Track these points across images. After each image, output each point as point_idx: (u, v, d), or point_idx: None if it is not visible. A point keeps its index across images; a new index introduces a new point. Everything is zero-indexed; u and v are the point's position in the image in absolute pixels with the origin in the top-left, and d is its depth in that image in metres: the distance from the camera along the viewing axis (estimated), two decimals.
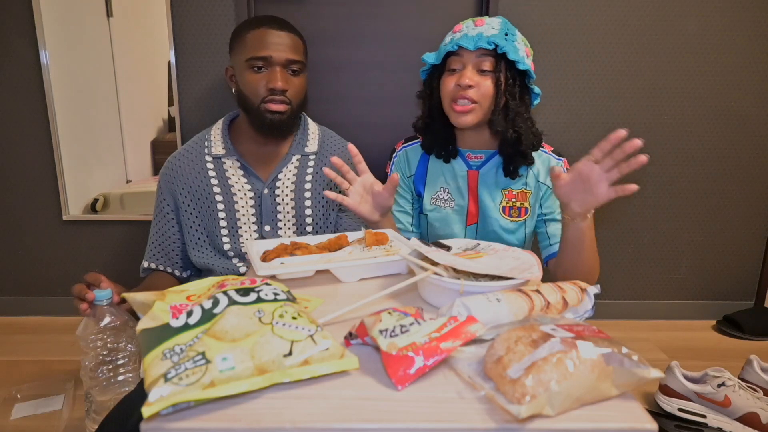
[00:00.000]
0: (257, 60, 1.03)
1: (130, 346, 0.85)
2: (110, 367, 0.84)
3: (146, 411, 0.41)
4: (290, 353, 0.48)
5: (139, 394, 0.75)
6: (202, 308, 0.53)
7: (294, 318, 0.52)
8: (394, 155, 1.17)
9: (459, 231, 1.11)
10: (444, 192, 1.11)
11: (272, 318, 0.51)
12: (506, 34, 0.97)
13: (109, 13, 1.62)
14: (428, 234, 1.15)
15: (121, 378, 0.85)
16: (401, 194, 1.16)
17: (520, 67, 0.97)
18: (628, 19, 1.69)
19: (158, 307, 0.54)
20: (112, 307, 0.83)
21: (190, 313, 0.52)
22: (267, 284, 0.58)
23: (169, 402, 0.42)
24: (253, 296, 0.54)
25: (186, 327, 0.51)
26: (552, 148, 1.12)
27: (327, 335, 0.52)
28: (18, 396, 1.32)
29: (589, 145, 1.87)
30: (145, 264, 1.14)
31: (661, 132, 1.79)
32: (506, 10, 1.64)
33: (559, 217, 1.09)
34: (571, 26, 1.68)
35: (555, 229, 1.10)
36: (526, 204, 1.08)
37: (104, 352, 0.83)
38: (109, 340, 0.83)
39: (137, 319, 0.87)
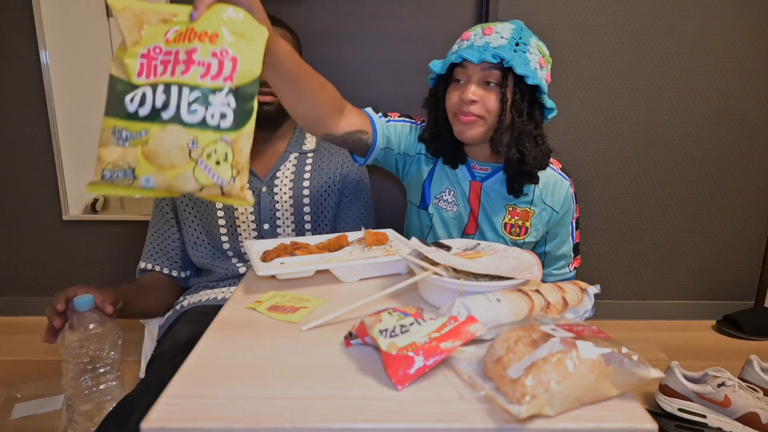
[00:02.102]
0: None
1: (112, 353, 0.83)
2: (92, 375, 0.82)
3: (89, 188, 0.55)
4: (201, 190, 0.55)
5: (139, 395, 0.75)
6: (154, 100, 0.54)
7: (218, 163, 0.55)
8: (421, 121, 1.08)
9: (456, 237, 1.08)
10: (449, 194, 1.06)
11: (200, 154, 0.54)
12: (517, 44, 0.89)
13: (109, 13, 1.62)
14: (430, 233, 1.13)
15: (103, 387, 0.83)
16: (399, 131, 1.04)
17: (530, 82, 0.89)
18: (628, 19, 1.69)
19: (131, 52, 0.55)
20: (94, 313, 0.82)
21: (143, 100, 0.54)
22: (229, 93, 0.56)
23: (102, 192, 0.55)
24: (200, 115, 0.55)
25: (135, 116, 0.54)
26: (560, 165, 1.06)
27: (236, 189, 0.57)
28: (18, 396, 1.32)
29: (588, 145, 1.88)
30: (142, 265, 1.14)
31: (662, 132, 1.79)
32: (506, 10, 1.64)
33: (558, 251, 1.10)
34: (571, 26, 1.68)
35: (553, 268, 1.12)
36: (528, 224, 1.04)
37: (86, 360, 0.81)
38: (91, 347, 0.81)
39: (119, 326, 0.87)
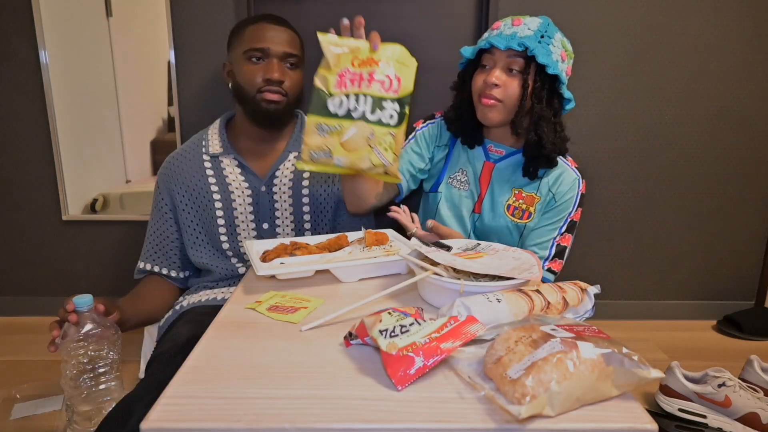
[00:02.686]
0: (255, 51, 1.04)
1: (111, 353, 0.82)
2: (91, 375, 0.82)
3: (299, 165, 0.82)
4: (371, 168, 0.81)
5: (139, 395, 0.75)
6: (348, 104, 0.78)
7: (386, 150, 0.80)
8: (432, 119, 1.16)
9: (466, 215, 1.11)
10: (462, 174, 1.11)
11: (375, 143, 0.79)
12: (542, 36, 0.96)
13: (109, 13, 1.62)
14: (437, 215, 1.14)
15: (102, 387, 0.83)
16: (417, 151, 1.13)
17: (550, 71, 0.95)
18: (628, 19, 1.69)
19: (331, 71, 0.79)
20: (93, 313, 0.81)
21: (340, 104, 0.78)
22: (395, 101, 0.80)
23: (308, 168, 0.82)
24: (377, 115, 0.79)
25: (334, 115, 0.78)
26: (577, 165, 1.09)
27: (394, 168, 0.82)
28: (18, 396, 1.32)
29: (588, 144, 1.88)
30: (141, 265, 1.14)
31: (662, 132, 1.79)
32: (506, 11, 1.64)
33: (534, 240, 1.08)
34: (571, 26, 1.68)
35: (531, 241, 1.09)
36: (532, 209, 1.07)
37: (85, 360, 0.80)
38: (90, 347, 0.81)
39: (120, 327, 0.87)
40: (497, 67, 0.98)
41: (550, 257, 1.06)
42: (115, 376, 0.85)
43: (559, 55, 0.97)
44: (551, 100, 1.00)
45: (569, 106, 1.03)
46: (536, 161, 1.03)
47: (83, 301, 0.79)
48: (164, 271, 1.13)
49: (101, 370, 0.82)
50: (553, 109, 1.00)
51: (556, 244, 1.07)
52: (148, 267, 1.13)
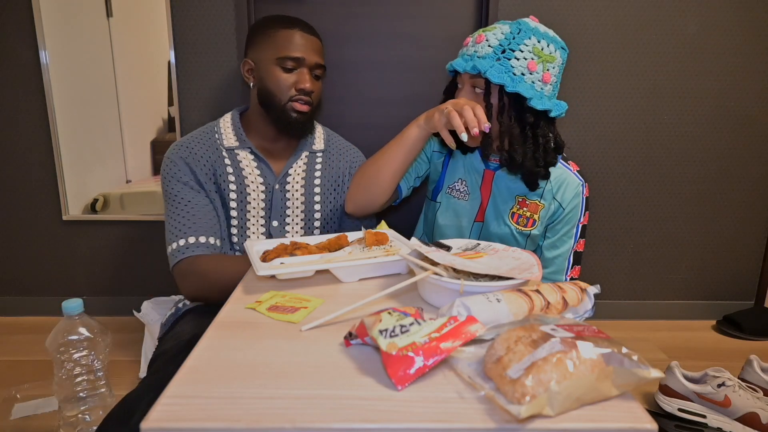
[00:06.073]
0: (289, 60, 1.04)
1: (97, 362, 0.81)
2: (79, 380, 0.81)
3: None
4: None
5: (139, 394, 0.75)
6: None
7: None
8: None
9: (466, 225, 1.10)
10: (461, 184, 1.10)
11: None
12: (503, 51, 0.92)
13: (109, 13, 1.62)
14: (435, 224, 1.14)
15: (91, 393, 0.82)
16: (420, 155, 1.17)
17: (509, 90, 0.92)
18: (627, 19, 1.69)
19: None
20: (82, 318, 0.80)
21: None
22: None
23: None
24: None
25: None
26: (578, 168, 1.08)
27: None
28: (18, 396, 1.32)
29: (588, 145, 1.88)
30: (181, 242, 0.99)
31: (661, 132, 1.79)
32: (506, 11, 1.64)
33: (553, 252, 1.08)
34: (571, 26, 1.68)
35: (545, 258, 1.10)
36: (536, 216, 1.06)
37: (70, 365, 0.79)
38: (83, 353, 0.80)
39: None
40: (465, 88, 0.98)
41: (570, 267, 1.09)
42: (99, 385, 0.83)
43: (525, 68, 0.92)
44: (521, 115, 0.96)
45: (557, 113, 0.97)
46: (525, 177, 1.01)
47: (72, 305, 0.78)
48: (211, 241, 1.02)
49: (90, 376, 0.81)
50: (524, 123, 0.96)
51: (574, 252, 1.08)
52: (192, 240, 0.99)
